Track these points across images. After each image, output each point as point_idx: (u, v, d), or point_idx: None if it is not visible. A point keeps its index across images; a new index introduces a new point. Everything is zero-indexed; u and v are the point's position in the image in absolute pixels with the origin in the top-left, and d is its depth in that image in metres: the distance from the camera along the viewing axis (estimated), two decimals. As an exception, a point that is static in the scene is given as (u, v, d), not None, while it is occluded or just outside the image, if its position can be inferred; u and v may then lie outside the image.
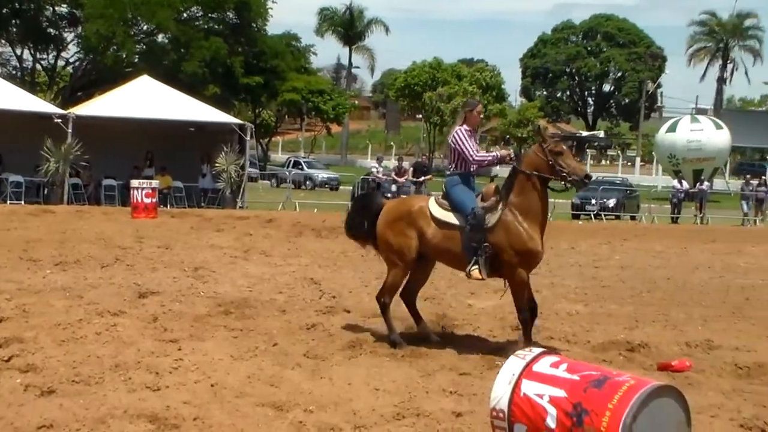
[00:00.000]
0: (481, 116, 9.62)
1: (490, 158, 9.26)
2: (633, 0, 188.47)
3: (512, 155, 9.46)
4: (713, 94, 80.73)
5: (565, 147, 8.95)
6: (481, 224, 8.69)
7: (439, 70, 68.28)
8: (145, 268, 14.07)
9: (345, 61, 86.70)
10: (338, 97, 64.88)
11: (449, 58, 74.69)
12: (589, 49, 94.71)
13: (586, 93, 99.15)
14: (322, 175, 53.51)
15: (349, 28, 77.62)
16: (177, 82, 38.27)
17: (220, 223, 22.67)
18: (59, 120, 27.97)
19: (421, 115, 74.20)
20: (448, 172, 9.53)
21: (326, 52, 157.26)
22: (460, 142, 9.09)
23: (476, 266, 8.76)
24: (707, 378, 8.27)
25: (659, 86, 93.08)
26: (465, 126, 9.25)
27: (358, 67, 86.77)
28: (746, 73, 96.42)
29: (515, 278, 8.82)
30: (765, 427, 6.72)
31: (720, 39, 77.44)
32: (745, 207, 38.24)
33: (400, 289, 9.48)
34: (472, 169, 9.15)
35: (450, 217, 8.92)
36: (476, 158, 9.08)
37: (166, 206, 28.61)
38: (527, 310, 8.87)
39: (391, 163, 38.24)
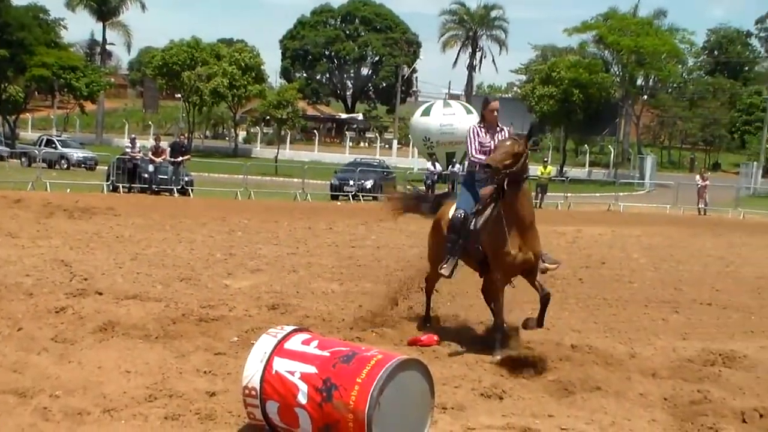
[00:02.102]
0: (496, 113, 9.15)
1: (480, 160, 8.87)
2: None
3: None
4: (465, 80, 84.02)
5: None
6: (457, 225, 8.90)
7: (197, 49, 67.11)
8: None
9: (99, 38, 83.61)
10: (92, 74, 62.23)
11: (208, 37, 73.36)
12: (347, 32, 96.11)
13: (344, 76, 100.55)
14: (78, 154, 51.17)
15: (103, 3, 74.78)
16: None
17: (-40, 204, 21.33)
18: None
19: (180, 95, 72.72)
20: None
21: (79, 27, 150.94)
22: (468, 138, 9.21)
23: (445, 264, 8.94)
24: (453, 350, 8.68)
25: (415, 71, 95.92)
26: (481, 123, 9.27)
27: (113, 44, 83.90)
28: (494, 61, 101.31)
29: (490, 281, 9.15)
30: (502, 395, 7.16)
31: (469, 28, 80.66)
32: (492, 188, 40.00)
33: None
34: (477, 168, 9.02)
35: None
36: (473, 158, 9.13)
37: None
38: (502, 323, 8.89)
39: (149, 143, 37.25)
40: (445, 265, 8.94)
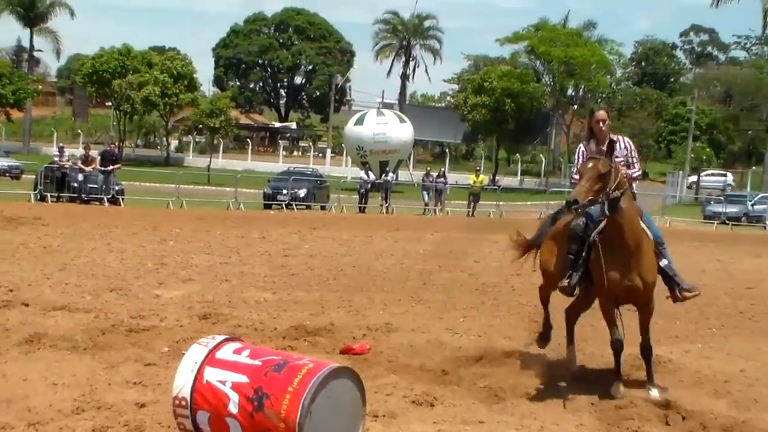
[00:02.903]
0: (602, 124, 8.03)
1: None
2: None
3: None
4: (398, 90, 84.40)
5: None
6: (578, 234, 7.97)
7: (128, 57, 66.28)
8: None
9: (27, 44, 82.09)
10: (19, 81, 61.19)
11: (140, 45, 72.28)
12: (281, 41, 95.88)
13: (278, 85, 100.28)
14: (2, 162, 50.21)
15: (30, 9, 73.52)
16: None
17: None
18: None
19: (110, 103, 71.78)
20: None
21: (4, 33, 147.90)
22: (575, 159, 8.31)
23: (567, 279, 7.95)
24: (385, 359, 8.70)
25: (348, 80, 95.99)
26: (589, 139, 8.06)
27: (41, 51, 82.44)
28: (426, 70, 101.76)
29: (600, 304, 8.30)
30: (434, 402, 7.20)
31: (403, 37, 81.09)
32: (426, 197, 40.31)
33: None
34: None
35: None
36: (572, 179, 8.55)
37: None
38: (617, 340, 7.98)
39: (78, 151, 36.67)
40: (567, 280, 7.93)
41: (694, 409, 7.28)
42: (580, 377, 8.37)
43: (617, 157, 7.66)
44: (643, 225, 7.79)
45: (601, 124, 8.02)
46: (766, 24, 54.35)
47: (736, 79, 74.47)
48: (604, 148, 7.56)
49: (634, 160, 8.17)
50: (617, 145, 7.78)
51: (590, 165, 7.43)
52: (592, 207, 7.50)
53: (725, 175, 67.42)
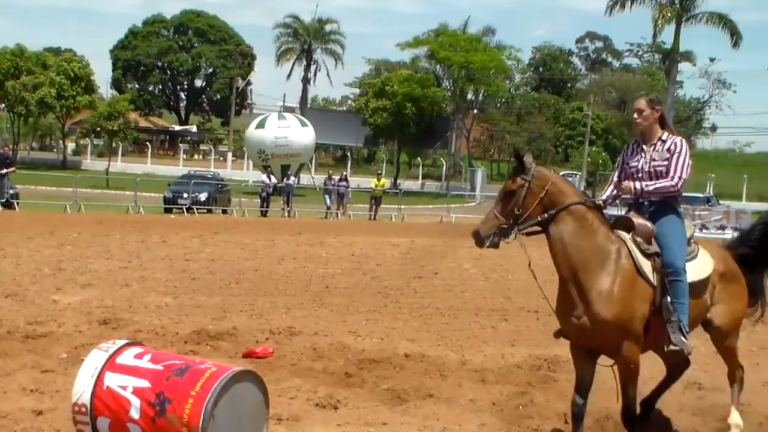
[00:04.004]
0: (637, 115, 6.41)
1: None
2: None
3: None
4: (299, 93, 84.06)
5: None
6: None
7: (22, 57, 64.56)
8: None
9: None
10: None
11: (34, 45, 70.56)
12: (180, 43, 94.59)
13: (178, 87, 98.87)
14: None
15: None
16: None
17: None
18: None
19: (4, 105, 69.82)
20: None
21: None
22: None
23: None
24: (288, 362, 8.73)
25: (249, 83, 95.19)
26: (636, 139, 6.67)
27: (-70, 50, 79.79)
28: (328, 74, 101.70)
29: None
30: (337, 404, 7.26)
31: (304, 41, 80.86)
32: (327, 201, 40.31)
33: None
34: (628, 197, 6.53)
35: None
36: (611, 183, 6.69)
37: None
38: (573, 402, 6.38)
39: (-30, 154, 35.58)
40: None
41: None
42: None
43: (654, 160, 6.35)
44: (636, 246, 6.18)
45: (636, 116, 6.50)
46: (656, 33, 56.01)
47: (630, 85, 76.46)
48: (651, 146, 6.37)
49: (676, 167, 6.30)
50: (662, 145, 6.38)
51: (502, 186, 6.30)
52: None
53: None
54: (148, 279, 14.36)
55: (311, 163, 62.82)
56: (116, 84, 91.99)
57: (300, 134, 53.53)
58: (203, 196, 37.00)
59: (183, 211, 34.89)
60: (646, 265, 6.15)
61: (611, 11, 55.82)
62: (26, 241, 19.09)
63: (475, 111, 77.93)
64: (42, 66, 64.11)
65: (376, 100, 65.43)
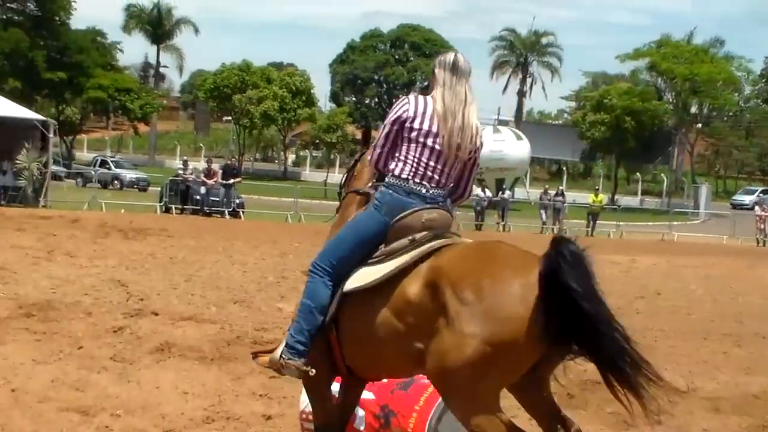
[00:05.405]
0: None
1: None
2: (438, 12, 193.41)
3: None
4: (514, 107, 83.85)
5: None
6: None
7: (248, 72, 67.66)
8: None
9: (153, 60, 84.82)
10: (146, 96, 63.21)
11: (259, 61, 73.70)
12: (396, 57, 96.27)
13: (394, 101, 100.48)
14: (130, 175, 51.80)
15: (157, 27, 76.06)
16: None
17: (22, 223, 21.58)
18: None
19: (230, 118, 73.46)
20: None
21: (133, 50, 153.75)
22: None
23: None
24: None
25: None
26: None
27: (166, 67, 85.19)
28: (544, 87, 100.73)
29: None
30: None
31: (520, 54, 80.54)
32: (543, 216, 39.87)
33: None
34: None
35: None
36: None
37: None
38: None
39: (200, 164, 37.61)
40: None
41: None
42: None
43: None
44: None
45: None
46: None
47: None
48: None
49: None
50: None
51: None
52: None
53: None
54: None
55: (526, 177, 62.38)
56: (335, 97, 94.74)
57: (515, 148, 53.26)
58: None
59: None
60: None
61: None
62: (252, 249, 19.87)
63: (700, 125, 74.86)
64: (266, 80, 66.97)
65: (594, 114, 64.19)
